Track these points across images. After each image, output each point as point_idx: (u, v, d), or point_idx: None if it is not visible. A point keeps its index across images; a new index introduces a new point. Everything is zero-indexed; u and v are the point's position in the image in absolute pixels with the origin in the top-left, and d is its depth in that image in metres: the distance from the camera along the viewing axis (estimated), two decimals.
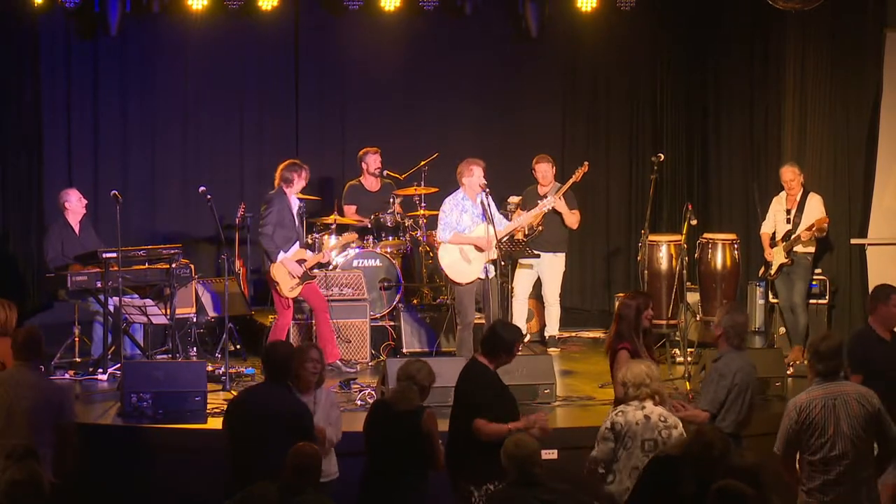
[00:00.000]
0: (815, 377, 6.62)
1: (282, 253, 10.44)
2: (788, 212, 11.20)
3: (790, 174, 11.23)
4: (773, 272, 11.24)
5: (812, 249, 11.22)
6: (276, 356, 6.90)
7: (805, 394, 6.58)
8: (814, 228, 10.98)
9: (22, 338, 7.13)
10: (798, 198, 11.18)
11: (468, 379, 7.17)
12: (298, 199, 11.06)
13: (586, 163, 11.56)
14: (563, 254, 11.54)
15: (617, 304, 8.33)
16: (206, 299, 11.62)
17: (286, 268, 10.42)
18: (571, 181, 11.45)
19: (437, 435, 6.80)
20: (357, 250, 11.70)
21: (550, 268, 11.48)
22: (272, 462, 6.23)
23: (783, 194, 11.30)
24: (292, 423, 6.63)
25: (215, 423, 8.93)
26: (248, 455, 6.62)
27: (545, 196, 11.39)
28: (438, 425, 6.88)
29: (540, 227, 11.24)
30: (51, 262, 10.81)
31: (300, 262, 10.52)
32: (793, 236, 11.07)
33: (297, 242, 10.62)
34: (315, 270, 10.80)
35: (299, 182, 10.62)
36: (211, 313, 11.56)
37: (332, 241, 11.67)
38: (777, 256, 11.16)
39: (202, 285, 11.60)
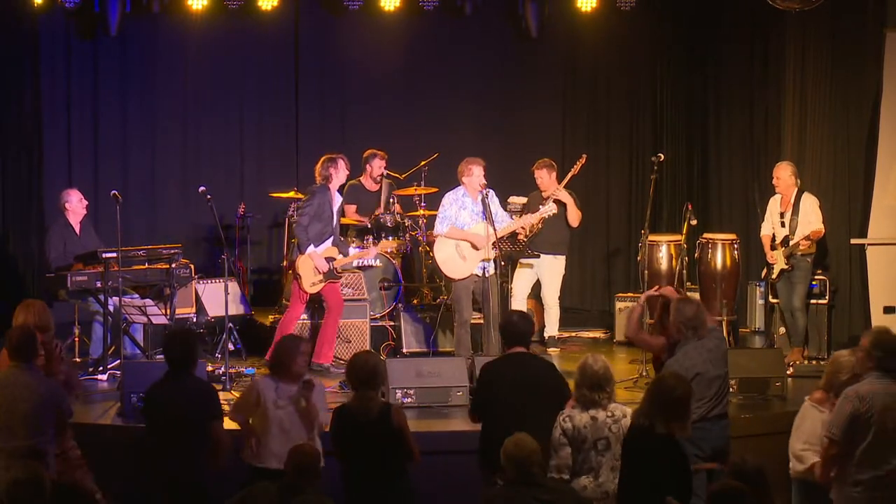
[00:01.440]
0: (873, 371, 6.50)
1: (312, 246, 10.43)
2: (782, 215, 11.18)
3: (776, 171, 11.21)
4: (774, 276, 11.25)
5: (812, 251, 11.21)
6: (181, 344, 7.18)
7: (867, 384, 6.46)
8: (810, 240, 10.98)
9: (16, 339, 7.09)
10: (792, 199, 11.17)
11: (547, 374, 7.19)
12: (299, 198, 11.10)
13: (584, 155, 11.54)
14: (563, 256, 11.51)
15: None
16: (208, 298, 11.63)
17: (313, 262, 10.42)
18: (570, 175, 11.46)
19: (408, 428, 6.81)
20: (357, 250, 11.69)
21: (550, 269, 11.46)
22: (195, 447, 6.92)
23: (778, 196, 11.30)
24: (209, 406, 7.05)
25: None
26: (167, 445, 6.95)
27: (548, 199, 11.41)
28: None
29: (539, 226, 11.22)
30: (53, 261, 10.82)
31: (329, 259, 10.53)
32: (791, 242, 11.06)
33: (331, 239, 10.60)
34: (340, 272, 10.77)
35: (338, 174, 10.54)
36: (212, 313, 11.57)
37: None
38: (778, 261, 11.16)
39: (203, 284, 11.59)
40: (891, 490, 6.36)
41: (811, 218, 11.05)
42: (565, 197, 11.28)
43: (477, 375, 7.51)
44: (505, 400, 7.07)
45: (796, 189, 11.18)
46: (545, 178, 11.41)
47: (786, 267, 11.11)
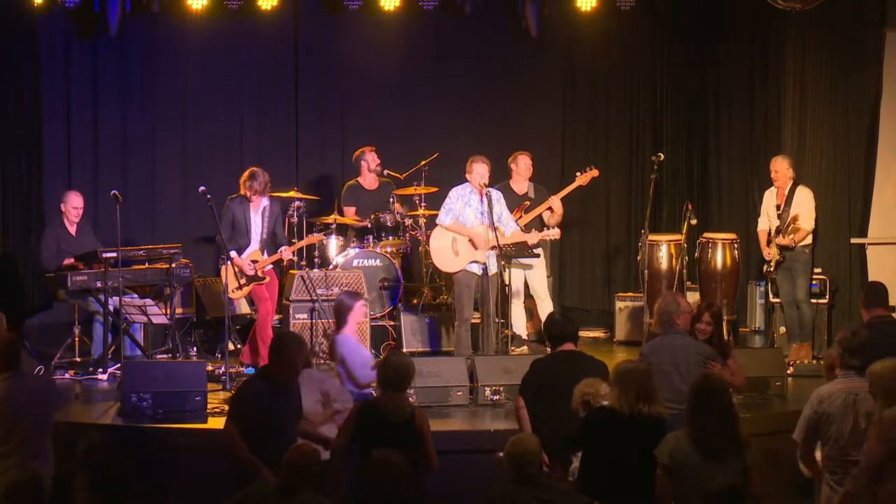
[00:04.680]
0: (842, 370, 6.63)
1: (233, 253, 10.53)
2: (778, 207, 11.24)
3: (773, 165, 11.29)
4: (771, 269, 11.28)
5: (809, 242, 11.23)
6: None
7: (829, 385, 6.63)
8: (794, 228, 11.01)
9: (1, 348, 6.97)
10: (787, 191, 11.22)
11: (599, 371, 7.31)
12: (299, 198, 11.16)
13: (595, 169, 11.61)
14: (541, 249, 11.57)
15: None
16: (208, 298, 11.65)
17: (239, 266, 10.47)
18: (575, 185, 11.53)
19: (430, 435, 6.77)
20: (357, 250, 11.72)
21: (535, 265, 11.50)
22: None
23: (774, 189, 11.35)
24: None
25: (215, 423, 8.97)
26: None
27: (525, 194, 11.45)
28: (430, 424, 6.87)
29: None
30: (44, 261, 10.88)
31: (253, 262, 10.62)
32: (780, 234, 11.12)
33: (250, 249, 10.76)
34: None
35: (255, 188, 10.78)
36: (213, 312, 11.58)
37: (332, 241, 11.73)
38: (774, 255, 11.19)
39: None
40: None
41: (803, 210, 11.11)
42: (557, 207, 11.34)
43: (528, 369, 7.55)
44: (561, 395, 7.06)
45: (791, 181, 11.23)
46: (530, 165, 11.56)
47: (779, 258, 11.15)
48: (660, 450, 6.19)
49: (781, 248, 11.13)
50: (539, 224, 11.48)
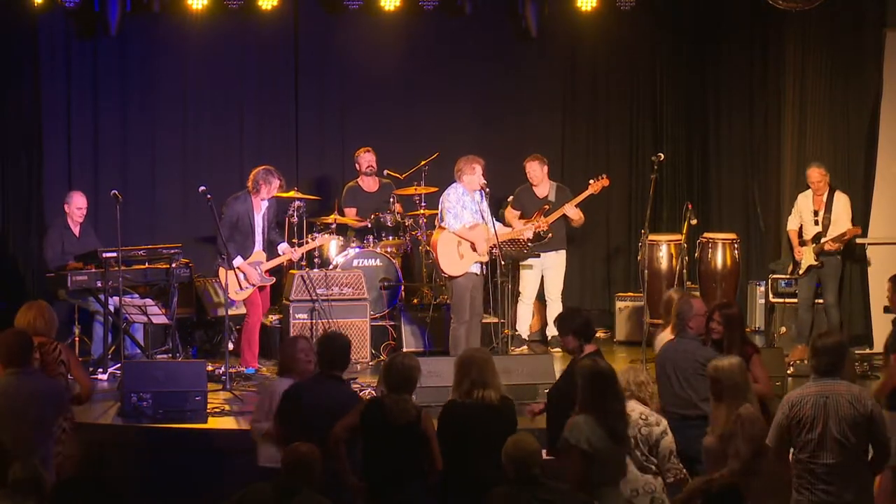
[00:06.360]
0: (812, 373, 6.60)
1: (239, 258, 10.50)
2: (816, 213, 11.25)
3: (817, 175, 11.30)
4: (801, 272, 11.30)
5: (839, 248, 11.24)
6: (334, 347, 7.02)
7: (799, 389, 6.58)
8: (845, 238, 11.04)
9: (11, 344, 6.92)
10: (825, 198, 11.23)
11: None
12: (299, 198, 11.13)
13: (606, 177, 11.68)
14: (564, 251, 11.62)
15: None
16: (207, 298, 11.66)
17: (244, 271, 10.45)
18: (588, 193, 11.58)
19: (435, 436, 6.75)
20: (357, 250, 11.71)
21: (554, 266, 11.56)
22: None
23: (810, 192, 11.35)
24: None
25: (215, 423, 8.97)
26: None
27: (545, 197, 11.47)
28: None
29: (550, 234, 11.34)
30: (50, 261, 10.85)
31: (257, 264, 10.62)
32: (822, 240, 11.11)
33: (255, 248, 10.74)
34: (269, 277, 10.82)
35: (267, 190, 10.75)
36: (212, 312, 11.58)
37: (332, 241, 11.74)
38: (807, 257, 11.22)
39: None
40: (830, 490, 6.38)
41: (842, 218, 11.15)
42: (573, 213, 11.52)
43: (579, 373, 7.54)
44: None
45: (828, 188, 11.27)
46: (538, 171, 11.49)
47: (815, 263, 11.17)
48: (574, 435, 6.27)
49: (824, 254, 11.14)
50: (563, 227, 11.53)
